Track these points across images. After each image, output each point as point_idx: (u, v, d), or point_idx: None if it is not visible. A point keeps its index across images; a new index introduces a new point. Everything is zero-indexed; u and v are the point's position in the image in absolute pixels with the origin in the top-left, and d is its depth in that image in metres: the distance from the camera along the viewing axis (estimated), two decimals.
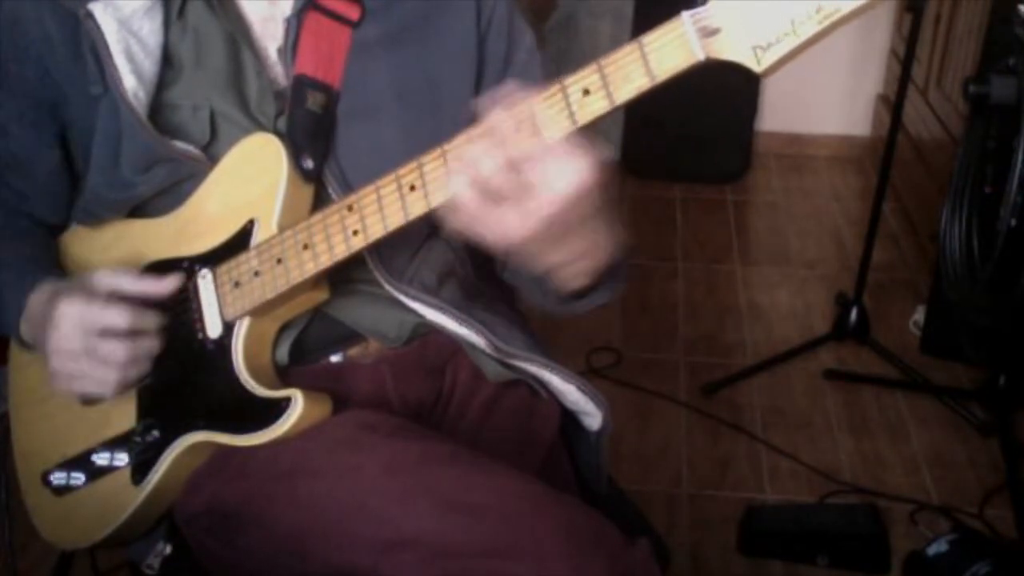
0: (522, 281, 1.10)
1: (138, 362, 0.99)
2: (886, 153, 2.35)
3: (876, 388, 2.39)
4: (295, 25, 1.02)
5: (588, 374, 2.40)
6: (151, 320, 1.00)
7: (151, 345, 1.00)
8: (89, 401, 1.05)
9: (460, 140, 0.86)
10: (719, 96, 3.24)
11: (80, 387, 1.00)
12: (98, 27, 0.97)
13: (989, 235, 1.85)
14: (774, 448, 2.20)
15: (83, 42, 0.99)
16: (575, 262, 0.89)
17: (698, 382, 2.40)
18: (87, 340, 0.96)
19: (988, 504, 2.02)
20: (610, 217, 0.87)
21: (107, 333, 0.96)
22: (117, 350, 0.97)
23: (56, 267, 1.09)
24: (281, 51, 1.03)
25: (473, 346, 1.08)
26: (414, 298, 1.05)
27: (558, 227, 0.82)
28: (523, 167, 0.79)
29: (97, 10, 0.97)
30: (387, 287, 1.04)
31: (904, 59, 2.29)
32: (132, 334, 0.98)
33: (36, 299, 1.03)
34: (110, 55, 0.97)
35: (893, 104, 2.33)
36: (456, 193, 0.82)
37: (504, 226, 0.81)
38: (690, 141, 3.41)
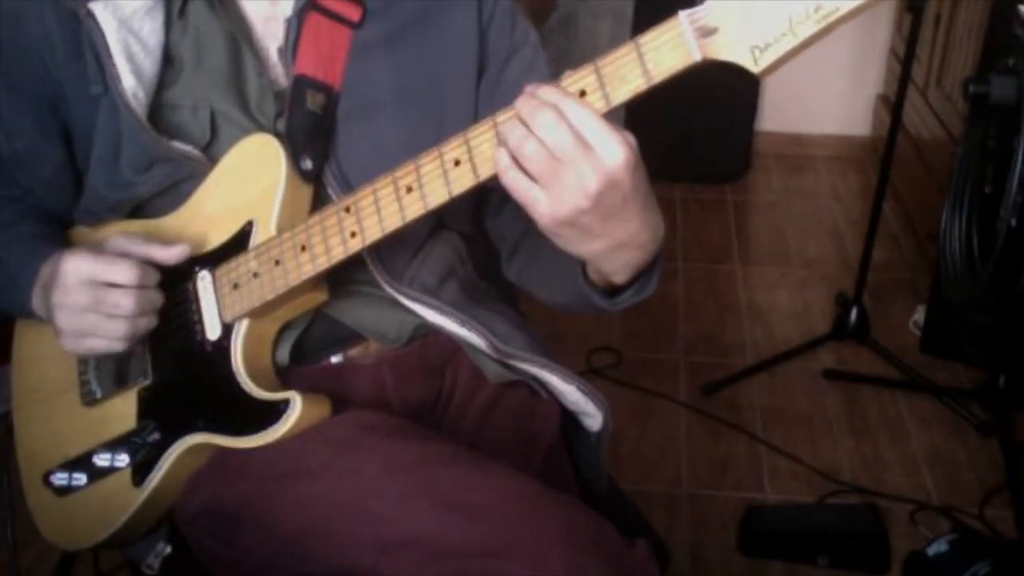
0: (537, 276, 1.09)
1: (146, 313, 0.99)
2: (886, 153, 2.35)
3: (876, 388, 2.39)
4: (296, 25, 1.02)
5: (588, 374, 2.40)
6: (153, 275, 1.00)
7: (155, 298, 1.00)
8: (91, 401, 1.05)
9: (456, 143, 0.85)
10: (719, 96, 3.23)
11: (90, 344, 0.99)
12: (98, 26, 0.97)
13: (989, 235, 1.85)
14: (774, 448, 2.20)
15: (83, 41, 0.99)
16: (618, 250, 0.87)
17: (698, 382, 2.40)
18: (94, 292, 0.96)
19: (988, 504, 2.02)
20: (650, 207, 0.86)
21: (113, 286, 0.96)
22: (124, 301, 0.97)
23: (66, 244, 1.08)
24: (282, 51, 1.03)
25: (473, 347, 1.08)
26: (414, 299, 1.05)
27: (604, 207, 0.80)
28: (575, 141, 0.78)
29: (97, 9, 0.97)
30: (387, 288, 1.04)
31: (904, 59, 2.29)
32: (139, 288, 0.98)
33: (46, 268, 1.02)
34: (110, 55, 0.97)
35: (893, 104, 2.33)
36: (504, 169, 0.81)
37: (558, 192, 0.80)
38: (690, 141, 3.41)
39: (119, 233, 1.02)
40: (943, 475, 2.13)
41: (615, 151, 0.78)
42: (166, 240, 1.04)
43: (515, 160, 0.81)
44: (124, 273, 0.97)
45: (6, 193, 1.11)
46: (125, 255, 0.99)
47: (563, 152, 0.78)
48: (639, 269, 0.91)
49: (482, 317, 1.07)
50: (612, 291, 0.96)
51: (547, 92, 0.80)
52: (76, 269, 0.96)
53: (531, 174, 0.80)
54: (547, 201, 0.80)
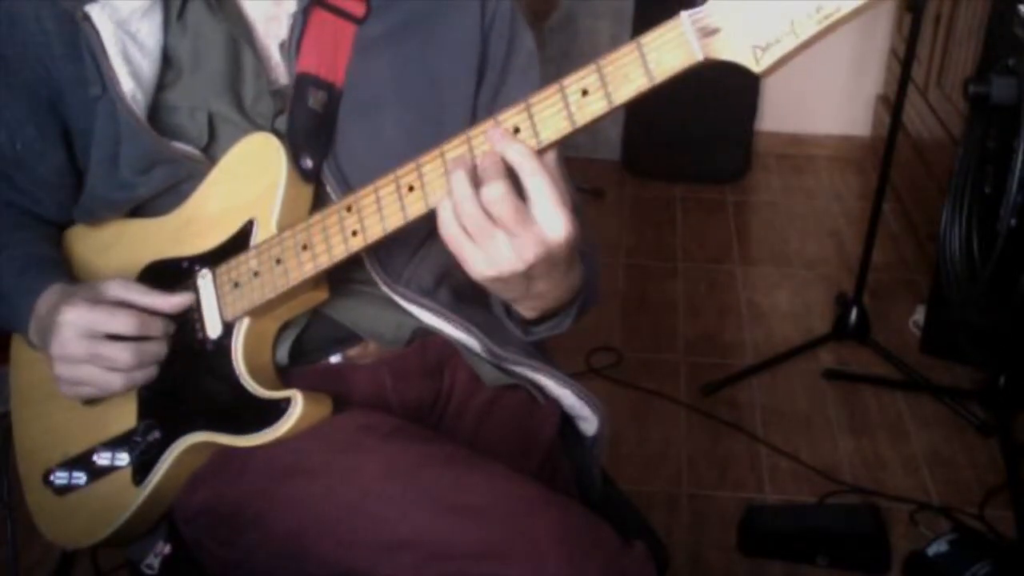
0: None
1: (144, 366, 0.99)
2: (886, 153, 2.35)
3: (876, 388, 2.39)
4: (300, 21, 1.02)
5: (588, 374, 2.40)
6: (158, 326, 0.99)
7: (158, 349, 0.99)
8: (92, 400, 1.05)
9: (457, 141, 0.86)
10: (719, 96, 3.23)
11: (86, 393, 1.00)
12: (94, 29, 0.97)
13: (989, 235, 1.85)
14: (774, 448, 2.20)
15: (80, 43, 0.99)
16: (533, 300, 0.92)
17: (698, 382, 2.40)
18: (91, 345, 0.96)
19: (988, 504, 2.02)
20: (574, 266, 0.90)
21: (112, 338, 0.96)
22: (122, 354, 0.97)
23: (64, 268, 1.09)
24: (284, 47, 1.03)
25: (469, 350, 1.08)
26: (411, 300, 1.04)
27: (534, 271, 0.83)
28: (518, 215, 0.80)
29: (94, 11, 0.97)
30: (384, 289, 1.04)
31: (904, 59, 2.29)
32: (138, 339, 0.98)
33: (44, 302, 1.02)
34: (107, 57, 0.97)
35: (893, 104, 2.33)
36: (455, 208, 0.82)
37: (492, 252, 0.82)
38: (690, 141, 3.41)
39: (118, 282, 1.01)
40: (943, 475, 2.13)
41: (558, 229, 0.81)
42: (166, 240, 1.04)
43: (457, 217, 0.82)
44: (123, 324, 0.96)
45: (4, 198, 1.11)
46: (125, 304, 0.98)
47: (507, 223, 0.80)
48: (551, 312, 0.96)
49: (478, 319, 1.07)
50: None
51: (511, 151, 0.81)
52: (73, 320, 0.96)
53: (469, 234, 0.82)
54: (482, 261, 0.82)
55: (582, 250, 0.90)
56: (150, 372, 1.00)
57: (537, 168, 0.81)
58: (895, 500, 2.04)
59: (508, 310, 1.00)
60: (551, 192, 0.80)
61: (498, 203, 0.80)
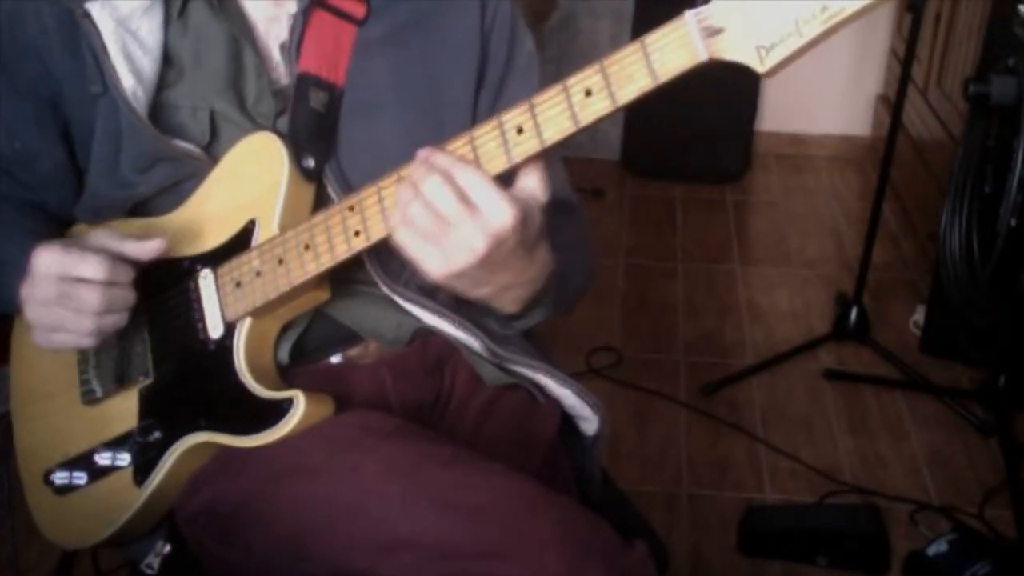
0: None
1: (113, 311, 0.98)
2: (886, 153, 2.35)
3: (876, 388, 2.39)
4: (301, 22, 1.02)
5: (588, 374, 2.40)
6: (126, 272, 0.98)
7: (127, 295, 0.98)
8: (92, 400, 1.05)
9: (460, 142, 0.86)
10: (719, 96, 3.23)
11: (59, 339, 0.98)
12: (95, 27, 0.97)
13: (989, 235, 1.85)
14: (774, 448, 2.20)
15: (81, 41, 0.99)
16: (504, 292, 0.94)
17: (698, 382, 2.40)
18: (60, 286, 0.95)
19: (988, 504, 2.02)
20: (539, 249, 0.92)
21: (81, 281, 0.95)
22: (91, 297, 0.95)
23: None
24: (285, 48, 1.03)
25: (469, 349, 1.08)
26: (410, 300, 1.04)
27: (492, 262, 0.85)
28: (460, 205, 0.83)
29: (94, 9, 0.97)
30: (384, 289, 1.04)
31: (904, 59, 2.29)
32: (107, 284, 0.96)
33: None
34: (108, 55, 0.97)
35: (893, 104, 2.33)
36: (404, 220, 0.85)
37: (446, 254, 0.84)
38: (690, 141, 3.41)
39: (101, 230, 1.01)
40: (943, 475, 2.13)
41: (503, 213, 0.83)
42: (168, 239, 1.04)
43: (405, 221, 0.85)
44: (92, 268, 0.95)
45: (6, 192, 1.11)
46: (98, 250, 0.97)
47: (450, 215, 0.83)
48: (528, 302, 0.98)
49: (478, 319, 1.07)
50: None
51: (439, 158, 0.85)
52: (46, 263, 0.95)
53: (420, 235, 0.84)
54: (436, 259, 0.85)
55: (557, 243, 0.93)
56: (120, 318, 0.98)
57: (466, 167, 0.84)
58: (895, 500, 2.04)
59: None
60: (488, 184, 0.83)
61: (439, 196, 0.83)
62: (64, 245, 0.97)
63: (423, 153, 0.86)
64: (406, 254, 0.86)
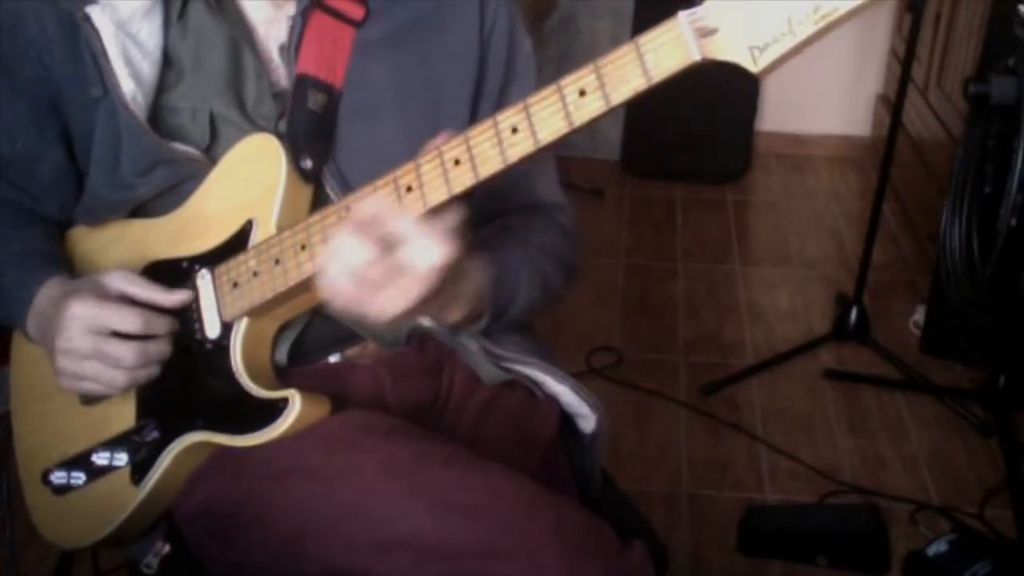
0: None
1: (147, 365, 0.99)
2: (886, 153, 2.35)
3: (876, 388, 2.39)
4: (299, 24, 1.02)
5: (588, 374, 2.40)
6: (162, 324, 0.99)
7: (161, 349, 1.00)
8: (90, 401, 1.05)
9: (456, 142, 0.86)
10: (719, 96, 3.23)
11: (88, 388, 1.00)
12: (95, 30, 0.97)
13: (989, 235, 1.85)
14: (774, 448, 2.20)
15: (81, 44, 0.99)
16: (443, 313, 0.95)
17: (698, 382, 2.40)
18: (97, 342, 0.96)
19: (988, 504, 2.02)
20: (472, 272, 0.94)
21: (117, 336, 0.96)
22: (127, 352, 0.97)
23: (64, 263, 1.09)
24: (284, 49, 1.03)
25: (467, 349, 1.08)
26: None
27: (426, 302, 0.85)
28: (392, 253, 0.82)
29: (94, 13, 0.97)
30: None
31: (904, 59, 2.29)
32: (142, 337, 0.98)
33: (44, 295, 1.02)
34: (108, 59, 0.97)
35: (893, 104, 2.33)
36: (330, 286, 0.84)
37: (380, 306, 0.84)
38: (690, 141, 3.41)
39: (118, 274, 1.01)
40: (943, 475, 2.13)
41: (431, 258, 0.82)
42: (166, 240, 1.04)
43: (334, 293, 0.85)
44: (130, 322, 0.96)
45: (4, 196, 1.11)
46: (129, 299, 0.98)
47: (382, 281, 0.82)
48: (473, 314, 0.98)
49: None
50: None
51: (358, 210, 0.84)
52: (81, 314, 0.96)
53: (356, 299, 0.84)
54: (375, 312, 0.84)
55: (537, 244, 0.97)
56: (153, 371, 1.00)
57: (393, 212, 0.83)
58: (895, 500, 2.04)
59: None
60: (413, 229, 0.82)
61: (369, 269, 0.82)
62: (97, 296, 0.97)
63: (350, 208, 0.87)
64: (344, 316, 0.88)
